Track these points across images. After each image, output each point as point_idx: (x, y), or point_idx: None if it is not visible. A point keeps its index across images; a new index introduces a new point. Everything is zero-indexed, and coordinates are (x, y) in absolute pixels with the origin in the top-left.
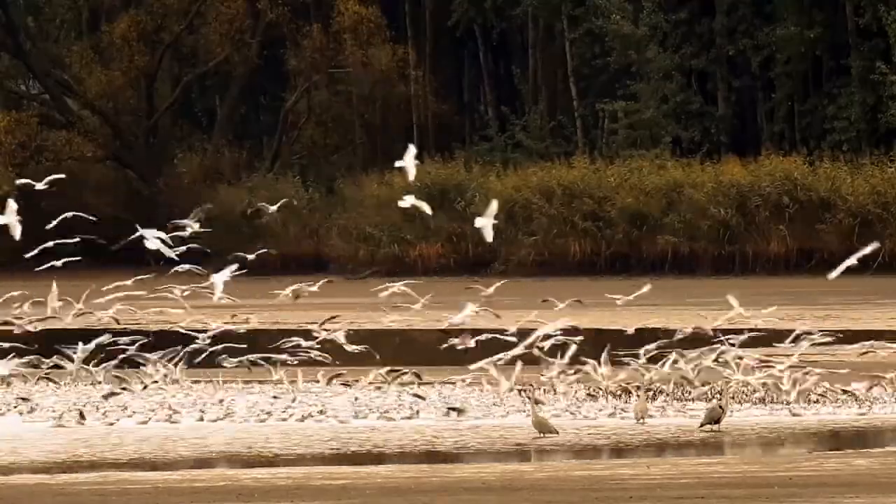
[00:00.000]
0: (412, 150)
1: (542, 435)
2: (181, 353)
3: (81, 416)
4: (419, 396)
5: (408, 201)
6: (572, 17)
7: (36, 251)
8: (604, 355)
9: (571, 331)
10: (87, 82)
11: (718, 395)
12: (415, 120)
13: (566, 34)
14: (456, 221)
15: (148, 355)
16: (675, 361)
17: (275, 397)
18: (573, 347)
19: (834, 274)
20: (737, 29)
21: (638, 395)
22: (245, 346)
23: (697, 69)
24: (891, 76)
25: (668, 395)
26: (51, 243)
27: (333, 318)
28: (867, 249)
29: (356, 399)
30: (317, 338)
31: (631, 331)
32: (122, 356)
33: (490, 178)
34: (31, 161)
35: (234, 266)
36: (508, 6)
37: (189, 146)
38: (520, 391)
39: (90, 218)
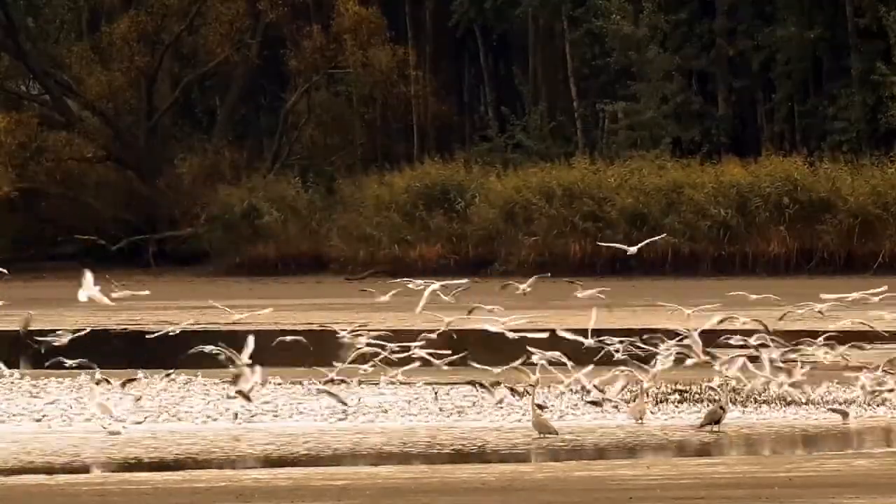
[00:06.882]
0: (88, 276)
1: (541, 435)
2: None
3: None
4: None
5: None
6: (572, 18)
7: None
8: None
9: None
10: (87, 83)
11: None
12: (415, 120)
13: (566, 35)
14: (456, 222)
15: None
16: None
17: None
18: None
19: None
20: (737, 29)
21: (636, 396)
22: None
23: (697, 70)
24: (891, 76)
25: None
26: None
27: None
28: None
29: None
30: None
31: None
32: None
33: (490, 179)
34: (31, 162)
35: None
36: (508, 7)
37: (189, 146)
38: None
39: None
